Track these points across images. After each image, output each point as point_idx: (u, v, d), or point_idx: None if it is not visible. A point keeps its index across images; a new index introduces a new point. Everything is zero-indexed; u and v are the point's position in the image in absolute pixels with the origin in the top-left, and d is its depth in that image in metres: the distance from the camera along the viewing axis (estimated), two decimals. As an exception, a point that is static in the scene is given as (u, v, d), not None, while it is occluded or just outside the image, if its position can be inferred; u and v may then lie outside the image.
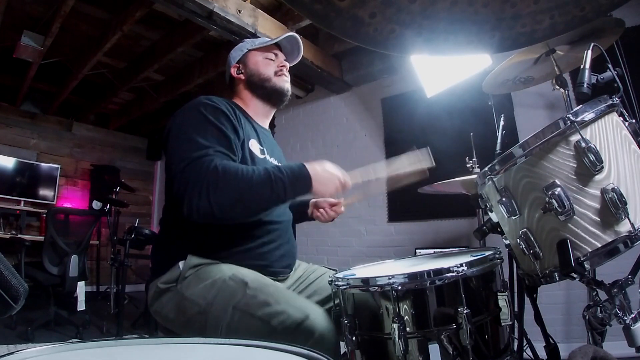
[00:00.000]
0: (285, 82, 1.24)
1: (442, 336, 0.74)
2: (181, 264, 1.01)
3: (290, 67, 1.29)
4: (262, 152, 1.16)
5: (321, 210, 1.31)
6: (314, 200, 1.33)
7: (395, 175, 1.12)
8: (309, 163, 0.99)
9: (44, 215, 3.88)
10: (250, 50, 1.26)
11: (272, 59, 1.25)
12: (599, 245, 0.82)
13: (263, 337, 0.78)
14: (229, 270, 0.99)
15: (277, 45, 1.29)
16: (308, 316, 0.84)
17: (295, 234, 1.26)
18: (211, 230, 1.04)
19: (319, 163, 1.00)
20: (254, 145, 1.13)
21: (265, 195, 0.92)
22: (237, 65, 1.26)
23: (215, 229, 1.04)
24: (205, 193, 0.89)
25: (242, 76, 1.24)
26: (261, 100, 1.24)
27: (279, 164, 0.97)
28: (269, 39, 1.28)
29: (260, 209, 0.99)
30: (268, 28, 2.84)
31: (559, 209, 0.83)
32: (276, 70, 1.24)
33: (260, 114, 1.26)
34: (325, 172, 0.99)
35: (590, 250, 0.82)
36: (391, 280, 0.76)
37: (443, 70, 2.44)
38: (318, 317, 0.85)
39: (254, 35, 2.64)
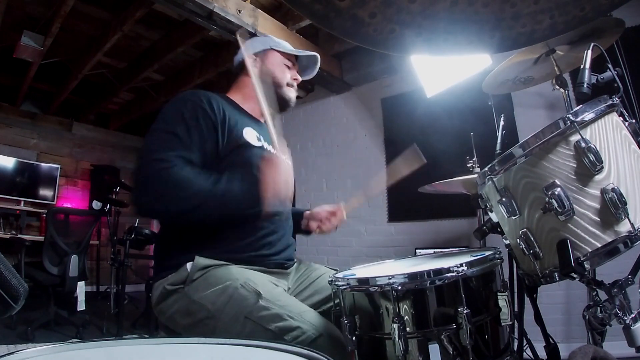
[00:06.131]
0: (293, 93, 1.28)
1: (442, 336, 0.74)
2: (189, 265, 1.00)
3: None
4: (259, 139, 1.15)
5: (320, 221, 1.26)
6: (308, 212, 1.30)
7: (393, 177, 1.16)
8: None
9: (44, 215, 3.88)
10: (272, 49, 1.27)
11: (289, 67, 1.28)
12: (599, 245, 0.82)
13: None
14: (240, 275, 0.97)
15: (295, 57, 1.31)
16: (322, 335, 0.85)
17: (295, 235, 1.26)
18: (213, 226, 1.04)
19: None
20: (249, 133, 1.13)
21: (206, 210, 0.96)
22: (255, 57, 1.25)
23: (216, 225, 1.04)
24: (154, 198, 0.95)
25: (255, 70, 1.22)
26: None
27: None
28: (294, 50, 1.29)
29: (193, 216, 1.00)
30: (268, 28, 2.83)
31: (559, 209, 0.83)
32: (289, 82, 1.27)
33: (257, 113, 1.25)
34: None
35: (590, 250, 0.82)
36: (391, 280, 0.76)
37: (443, 70, 2.44)
38: (332, 334, 0.86)
39: (254, 36, 2.64)
